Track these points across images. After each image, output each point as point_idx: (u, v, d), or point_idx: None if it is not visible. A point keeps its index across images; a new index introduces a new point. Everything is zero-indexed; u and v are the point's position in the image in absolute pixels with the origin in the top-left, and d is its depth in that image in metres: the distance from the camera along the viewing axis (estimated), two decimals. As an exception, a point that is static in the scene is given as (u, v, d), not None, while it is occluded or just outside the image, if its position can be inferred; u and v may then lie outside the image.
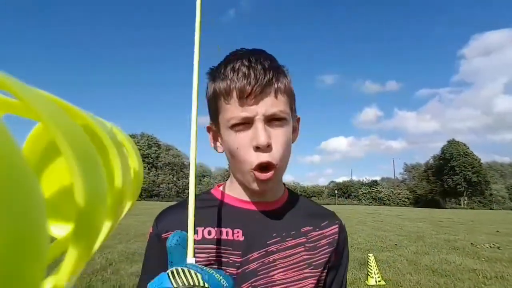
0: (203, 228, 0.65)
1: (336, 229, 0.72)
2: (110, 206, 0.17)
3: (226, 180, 0.75)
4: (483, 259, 6.04)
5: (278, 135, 0.61)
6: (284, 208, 0.71)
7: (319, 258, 0.67)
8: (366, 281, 4.19)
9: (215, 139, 0.69)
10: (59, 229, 0.18)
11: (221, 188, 0.74)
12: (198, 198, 0.73)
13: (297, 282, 0.64)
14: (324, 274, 0.68)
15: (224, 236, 0.64)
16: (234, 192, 0.71)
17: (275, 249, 0.65)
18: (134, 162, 0.20)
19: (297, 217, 0.71)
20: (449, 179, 55.02)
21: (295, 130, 0.69)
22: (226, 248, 0.63)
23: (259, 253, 0.64)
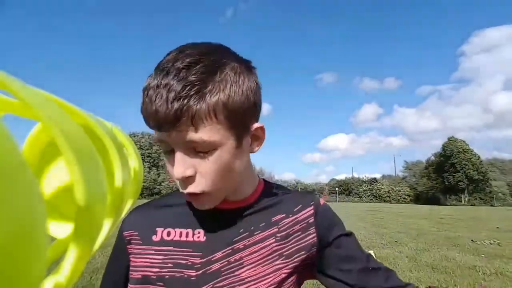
0: (162, 229, 0.62)
1: (311, 211, 0.65)
2: (110, 205, 0.17)
3: None
4: (483, 255, 6.04)
5: (204, 165, 0.52)
6: (257, 202, 0.65)
7: (291, 246, 0.63)
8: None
9: None
10: (59, 229, 0.18)
11: None
12: (167, 197, 0.70)
13: (267, 276, 0.60)
14: (300, 261, 0.62)
15: (183, 237, 0.61)
16: None
17: (242, 246, 0.61)
18: (134, 162, 0.20)
19: (269, 208, 0.65)
20: (449, 176, 55.00)
21: (257, 139, 0.60)
22: (186, 250, 0.60)
23: (224, 252, 0.60)
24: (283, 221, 0.65)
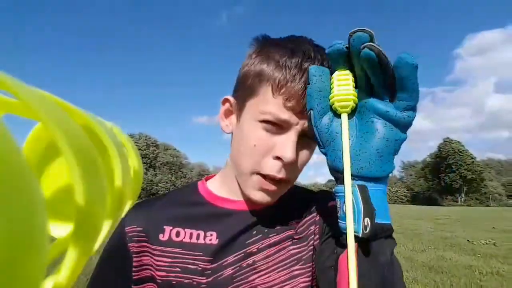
0: (171, 228, 0.56)
1: (317, 211, 0.61)
2: (110, 205, 0.17)
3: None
4: (479, 255, 6.08)
5: (303, 155, 0.54)
6: (276, 203, 0.59)
7: (309, 249, 0.57)
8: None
9: (227, 115, 0.59)
10: (59, 229, 0.18)
11: (209, 181, 0.65)
12: (175, 192, 0.64)
13: (284, 284, 0.55)
14: (313, 263, 0.57)
15: (194, 239, 0.55)
16: (221, 188, 0.62)
17: (255, 249, 0.56)
18: (134, 162, 0.20)
19: (286, 209, 0.61)
20: (445, 176, 55.36)
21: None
22: (196, 254, 0.54)
23: (236, 256, 0.55)
24: (300, 224, 0.60)
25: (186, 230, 0.56)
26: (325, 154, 0.46)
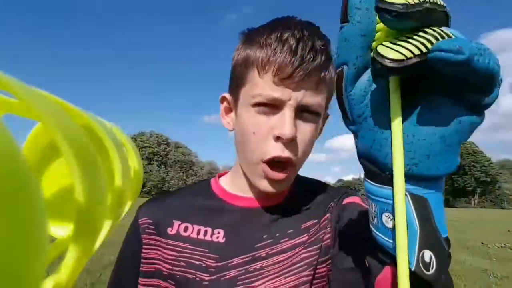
0: (180, 222, 0.56)
1: (335, 211, 0.56)
2: (110, 205, 0.17)
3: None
4: (494, 258, 5.95)
5: (305, 130, 0.51)
6: (288, 202, 0.58)
7: (322, 252, 0.54)
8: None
9: (227, 112, 0.59)
10: (59, 229, 0.18)
11: (221, 178, 0.64)
12: (193, 186, 0.65)
13: None
14: (325, 268, 0.53)
15: (201, 236, 0.55)
16: (232, 185, 0.61)
17: (264, 254, 0.54)
18: (134, 162, 0.20)
19: (301, 210, 0.58)
20: (458, 178, 54.31)
21: (323, 124, 0.59)
22: (202, 250, 0.54)
23: (243, 258, 0.53)
24: (314, 227, 0.56)
25: (194, 225, 0.56)
26: (355, 133, 0.32)
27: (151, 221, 0.57)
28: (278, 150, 0.49)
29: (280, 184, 0.53)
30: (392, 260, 0.29)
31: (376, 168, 0.30)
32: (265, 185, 0.52)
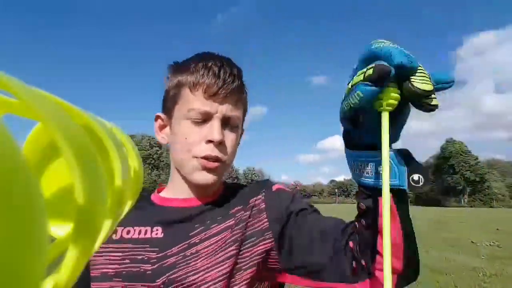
0: (122, 228, 0.65)
1: (261, 197, 0.69)
2: (110, 206, 0.17)
3: None
4: (483, 257, 6.05)
5: (229, 137, 0.65)
6: (219, 198, 0.70)
7: (244, 232, 0.65)
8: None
9: (161, 129, 0.71)
10: (59, 229, 0.18)
11: (160, 191, 0.74)
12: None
13: (220, 264, 0.61)
14: (252, 247, 0.64)
15: (142, 235, 0.64)
16: (168, 192, 0.72)
17: (198, 240, 0.64)
18: (134, 162, 0.20)
19: (230, 201, 0.70)
20: (448, 177, 55.04)
21: (239, 141, 0.72)
22: (143, 246, 0.63)
23: (180, 247, 0.63)
24: (239, 213, 0.67)
25: (135, 227, 0.65)
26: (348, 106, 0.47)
27: None
28: (209, 150, 0.62)
29: (214, 173, 0.64)
30: (379, 192, 0.48)
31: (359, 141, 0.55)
32: (202, 176, 0.63)
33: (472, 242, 7.87)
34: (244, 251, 0.63)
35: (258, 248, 0.64)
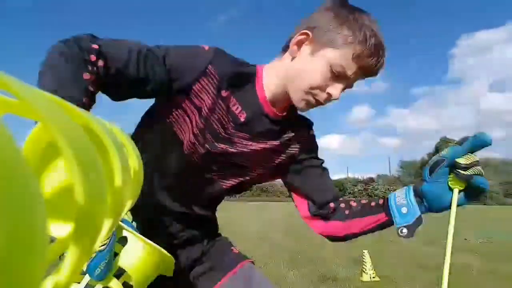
0: (228, 92, 0.74)
1: (306, 133, 0.90)
2: (110, 205, 0.17)
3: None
4: (476, 254, 6.11)
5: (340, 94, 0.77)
6: (284, 118, 0.81)
7: (285, 149, 0.84)
8: (361, 278, 4.21)
9: (299, 45, 0.74)
10: (59, 229, 0.18)
11: (265, 72, 0.79)
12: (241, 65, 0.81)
13: (259, 150, 0.80)
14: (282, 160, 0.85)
15: (234, 107, 0.75)
16: (270, 87, 0.78)
17: (259, 147, 0.79)
18: (134, 162, 0.20)
19: (293, 128, 0.84)
20: (443, 175, 55.37)
21: None
22: (228, 116, 0.74)
23: (244, 138, 0.78)
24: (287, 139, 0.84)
25: (234, 98, 0.74)
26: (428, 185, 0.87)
27: (218, 77, 0.71)
28: (323, 100, 0.73)
29: (310, 108, 0.76)
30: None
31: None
32: (302, 104, 0.75)
33: (465, 239, 7.94)
34: (278, 159, 0.84)
35: (284, 166, 0.87)
